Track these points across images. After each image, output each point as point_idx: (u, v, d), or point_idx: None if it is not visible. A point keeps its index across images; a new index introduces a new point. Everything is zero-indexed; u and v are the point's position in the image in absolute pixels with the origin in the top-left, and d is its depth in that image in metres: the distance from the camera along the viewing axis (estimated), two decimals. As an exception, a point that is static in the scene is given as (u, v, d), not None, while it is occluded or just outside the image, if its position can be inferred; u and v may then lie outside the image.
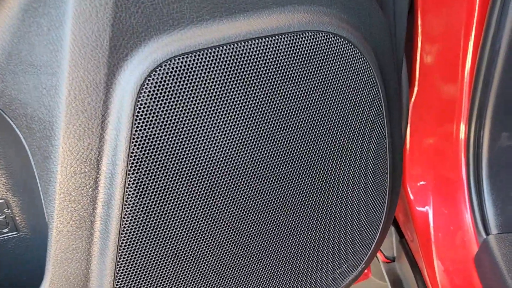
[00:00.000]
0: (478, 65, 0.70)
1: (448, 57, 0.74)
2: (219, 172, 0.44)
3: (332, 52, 0.46)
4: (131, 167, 0.39)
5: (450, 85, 0.75)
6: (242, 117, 0.43)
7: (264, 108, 0.44)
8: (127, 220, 0.41)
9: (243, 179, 0.46)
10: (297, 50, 0.44)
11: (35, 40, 0.38)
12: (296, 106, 0.46)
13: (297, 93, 0.46)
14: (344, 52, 0.47)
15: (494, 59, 0.68)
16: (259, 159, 0.46)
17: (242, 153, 0.45)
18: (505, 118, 0.72)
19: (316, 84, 0.46)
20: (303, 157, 0.49)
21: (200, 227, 0.46)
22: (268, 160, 0.47)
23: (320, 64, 0.46)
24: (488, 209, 0.77)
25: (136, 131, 0.39)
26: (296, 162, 0.49)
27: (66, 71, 0.37)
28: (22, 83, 0.38)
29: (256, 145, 0.45)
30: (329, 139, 0.51)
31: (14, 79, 0.39)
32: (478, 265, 0.77)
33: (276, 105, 0.45)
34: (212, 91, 0.41)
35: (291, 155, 0.48)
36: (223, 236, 0.48)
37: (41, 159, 0.40)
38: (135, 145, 0.39)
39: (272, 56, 0.43)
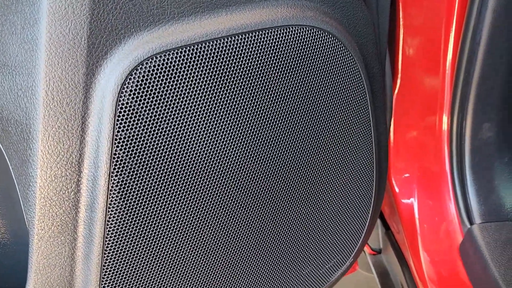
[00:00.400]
0: (459, 57, 0.71)
1: (429, 50, 0.74)
2: (205, 170, 0.43)
3: (316, 46, 0.46)
4: (114, 168, 0.38)
5: (432, 78, 0.75)
6: (228, 114, 0.43)
7: (249, 104, 0.43)
8: (111, 224, 0.39)
9: (230, 177, 0.45)
10: (282, 45, 0.43)
11: (8, 39, 0.36)
12: (282, 100, 0.46)
13: (283, 87, 0.45)
14: (328, 46, 0.46)
15: (474, 51, 0.69)
16: (246, 156, 0.45)
17: (228, 150, 0.44)
18: (486, 109, 0.73)
19: (301, 78, 0.46)
20: (290, 152, 0.49)
21: (187, 228, 0.45)
22: (255, 156, 0.46)
23: (305, 58, 0.45)
24: (471, 199, 0.78)
25: (118, 131, 0.38)
26: (284, 157, 0.48)
27: (43, 71, 0.35)
28: (2, 81, 0.37)
29: (243, 142, 0.44)
30: (315, 133, 0.50)
31: None
32: (463, 254, 0.78)
33: (262, 100, 0.44)
34: (195, 88, 0.40)
35: (278, 150, 0.48)
36: (210, 237, 0.47)
37: (19, 163, 0.38)
38: (117, 146, 0.38)
39: (256, 51, 0.42)
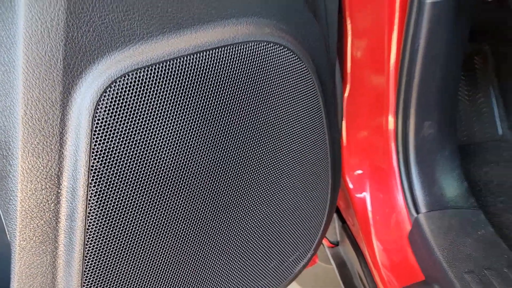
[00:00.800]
0: (401, 62, 0.78)
1: (375, 56, 0.81)
2: (174, 176, 0.47)
3: (274, 59, 0.50)
4: (92, 179, 0.41)
5: (378, 81, 0.82)
6: (194, 123, 0.46)
7: (215, 112, 0.47)
8: (91, 231, 0.42)
9: (196, 179, 0.49)
10: (242, 59, 0.47)
11: None
12: (244, 108, 0.50)
13: (244, 98, 0.49)
14: (284, 58, 0.51)
15: (414, 57, 0.76)
16: (211, 159, 0.49)
17: (196, 155, 0.47)
18: (426, 109, 0.81)
19: (261, 88, 0.50)
20: (253, 157, 0.53)
21: (160, 231, 0.48)
22: (219, 159, 0.50)
23: (264, 70, 0.50)
24: (417, 191, 0.86)
25: (95, 145, 0.40)
26: (247, 161, 0.53)
27: (21, 92, 0.38)
28: None
29: (209, 148, 0.48)
30: (275, 137, 0.55)
31: None
32: (412, 241, 0.86)
33: (226, 109, 0.48)
34: (165, 103, 0.43)
35: (241, 155, 0.52)
36: (183, 238, 0.50)
37: None
38: (95, 159, 0.41)
39: (219, 66, 0.46)
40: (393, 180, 0.88)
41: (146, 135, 0.43)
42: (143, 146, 0.43)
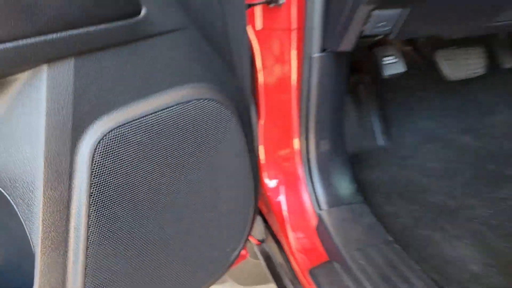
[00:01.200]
0: (301, 97, 1.03)
1: (281, 94, 1.05)
2: (146, 194, 0.67)
3: (209, 110, 0.72)
4: (91, 203, 0.60)
5: (285, 112, 1.07)
6: (156, 160, 0.67)
7: (170, 153, 0.68)
8: (90, 238, 0.61)
9: (157, 198, 0.69)
10: (188, 113, 0.69)
11: (18, 130, 0.56)
12: (189, 145, 0.71)
13: (187, 136, 0.70)
14: (215, 109, 0.73)
15: (310, 94, 1.01)
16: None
17: (154, 177, 0.67)
18: (321, 131, 1.07)
19: (203, 133, 0.72)
20: (194, 176, 0.74)
21: (134, 236, 0.68)
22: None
23: (202, 118, 0.72)
24: (319, 193, 1.10)
25: (93, 179, 0.59)
26: (189, 178, 0.73)
27: (42, 146, 0.56)
28: (10, 156, 0.56)
29: (161, 174, 0.69)
30: (210, 161, 0.76)
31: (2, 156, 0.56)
32: (318, 232, 1.08)
33: (178, 149, 0.69)
34: (140, 147, 0.63)
35: (184, 175, 0.72)
36: (149, 235, 0.70)
37: (25, 206, 0.57)
38: (93, 188, 0.60)
39: (173, 119, 0.67)
40: (301, 186, 1.11)
41: (126, 169, 0.63)
42: (125, 177, 0.63)
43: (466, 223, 1.13)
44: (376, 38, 0.94)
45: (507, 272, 0.99)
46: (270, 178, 1.12)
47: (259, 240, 1.33)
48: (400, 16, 0.87)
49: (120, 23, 0.57)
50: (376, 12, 0.84)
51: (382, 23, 0.88)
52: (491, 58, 1.50)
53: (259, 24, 1.00)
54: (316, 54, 0.95)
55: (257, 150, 1.02)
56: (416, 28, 0.93)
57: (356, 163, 1.35)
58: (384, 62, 1.12)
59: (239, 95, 0.83)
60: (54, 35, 0.51)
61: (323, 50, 0.95)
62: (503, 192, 1.24)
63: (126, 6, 0.58)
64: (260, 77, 0.99)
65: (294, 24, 0.95)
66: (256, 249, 1.34)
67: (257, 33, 0.96)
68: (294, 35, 0.95)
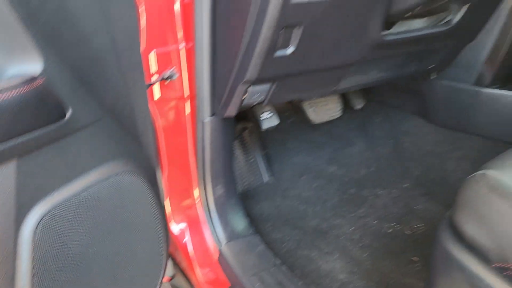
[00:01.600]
0: (198, 153, 1.23)
1: (180, 152, 1.24)
2: (77, 258, 0.81)
3: (125, 180, 0.89)
4: (33, 271, 0.73)
5: (184, 167, 1.26)
6: (86, 230, 0.81)
7: (98, 221, 0.83)
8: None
9: (89, 260, 0.84)
10: (110, 186, 0.85)
11: None
12: (111, 216, 0.87)
13: (112, 209, 0.86)
14: (130, 178, 0.90)
15: (205, 149, 1.22)
16: (97, 249, 0.85)
17: (86, 245, 0.82)
18: (215, 179, 1.28)
19: (121, 200, 0.88)
20: (115, 242, 0.90)
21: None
22: (99, 249, 0.85)
23: (122, 189, 0.88)
24: (218, 231, 1.29)
25: (35, 252, 0.72)
26: (112, 244, 0.89)
27: None
28: None
29: (95, 241, 0.83)
30: (131, 226, 0.93)
31: None
32: (220, 263, 1.27)
33: (103, 218, 0.84)
34: (71, 223, 0.78)
35: (108, 242, 0.88)
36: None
37: None
38: (35, 260, 0.73)
39: (97, 194, 0.83)
40: (203, 226, 1.29)
41: (64, 241, 0.76)
42: (62, 247, 0.76)
43: (335, 240, 1.43)
44: (254, 104, 1.19)
45: (366, 277, 1.29)
46: (177, 223, 1.29)
47: (170, 276, 1.48)
48: (270, 89, 1.13)
49: (51, 126, 0.72)
50: (251, 88, 1.08)
51: (257, 95, 1.13)
52: (345, 102, 1.87)
53: (157, 94, 1.18)
54: (207, 119, 1.16)
55: (163, 202, 1.20)
56: (283, 96, 1.21)
57: (246, 199, 1.59)
58: (262, 118, 1.38)
59: (147, 161, 1.01)
60: None
61: (212, 114, 1.17)
62: (361, 211, 1.57)
63: (54, 112, 0.73)
64: (162, 141, 1.17)
65: (186, 93, 1.15)
66: (169, 284, 1.49)
67: (156, 103, 1.14)
68: (188, 103, 1.15)
